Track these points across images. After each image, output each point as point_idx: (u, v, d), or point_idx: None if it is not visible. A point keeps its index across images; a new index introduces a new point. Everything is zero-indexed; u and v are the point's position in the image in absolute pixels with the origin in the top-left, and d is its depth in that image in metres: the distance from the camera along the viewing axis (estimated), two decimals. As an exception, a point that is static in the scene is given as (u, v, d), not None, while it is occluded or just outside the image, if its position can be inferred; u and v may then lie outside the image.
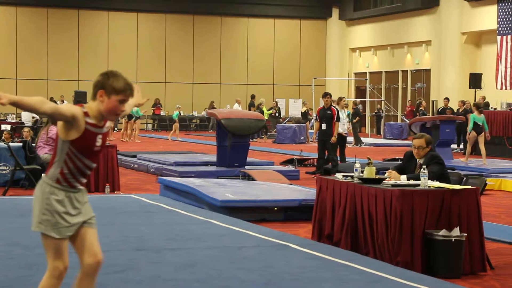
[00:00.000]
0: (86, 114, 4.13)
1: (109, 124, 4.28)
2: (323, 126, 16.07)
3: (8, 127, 20.61)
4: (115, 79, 4.16)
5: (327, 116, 16.04)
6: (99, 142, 4.22)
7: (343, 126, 17.22)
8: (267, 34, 41.54)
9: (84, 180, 4.28)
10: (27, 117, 25.71)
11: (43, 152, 12.90)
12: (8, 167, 13.20)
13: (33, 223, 4.23)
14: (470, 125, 18.48)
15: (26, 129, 14.43)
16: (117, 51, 39.09)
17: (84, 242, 4.28)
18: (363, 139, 28.35)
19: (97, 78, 4.19)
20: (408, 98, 36.40)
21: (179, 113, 31.28)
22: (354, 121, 27.30)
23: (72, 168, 4.18)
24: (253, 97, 33.35)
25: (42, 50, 38.10)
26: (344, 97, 19.08)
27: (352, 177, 7.74)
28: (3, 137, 15.99)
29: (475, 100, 26.82)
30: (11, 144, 13.12)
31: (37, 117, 26.58)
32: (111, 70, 4.22)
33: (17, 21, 37.86)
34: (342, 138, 16.86)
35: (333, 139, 15.83)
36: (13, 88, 37.70)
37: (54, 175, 4.20)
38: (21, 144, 13.37)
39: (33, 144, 13.28)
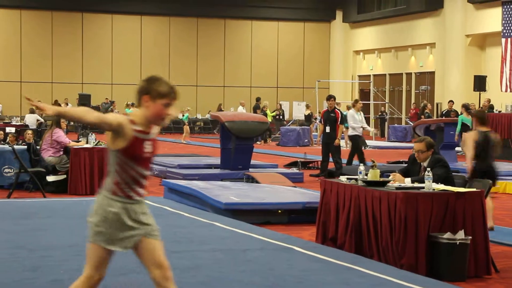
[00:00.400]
0: (132, 121, 4.10)
1: (156, 130, 4.25)
2: (327, 129, 16.08)
3: (13, 129, 20.64)
4: (159, 83, 4.15)
5: (331, 119, 16.04)
6: (148, 148, 4.18)
7: (359, 128, 17.43)
8: (271, 36, 41.54)
9: (141, 190, 4.24)
10: (31, 120, 25.73)
11: (48, 155, 12.92)
12: (12, 170, 13.22)
13: (89, 234, 4.21)
14: (458, 126, 18.56)
15: (29, 132, 14.45)
16: (121, 54, 39.14)
17: (149, 255, 4.25)
18: (367, 142, 28.32)
19: (140, 84, 4.17)
20: (412, 100, 36.37)
21: (189, 115, 31.07)
22: None
23: (126, 178, 4.15)
24: (258, 99, 33.34)
25: (46, 53, 38.16)
26: (359, 100, 19.23)
27: (356, 179, 7.73)
28: (8, 140, 16.04)
29: (479, 103, 26.81)
30: (15, 146, 13.14)
31: (42, 119, 26.60)
32: (153, 75, 4.21)
33: (22, 24, 37.92)
34: (358, 139, 17.09)
35: (337, 141, 15.84)
36: (17, 91, 37.77)
37: (109, 187, 4.19)
38: (25, 146, 13.39)
39: (38, 147, 13.30)
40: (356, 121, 17.46)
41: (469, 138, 9.58)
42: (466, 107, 19.30)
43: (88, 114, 3.99)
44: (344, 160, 16.88)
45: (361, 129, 17.72)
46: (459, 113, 25.61)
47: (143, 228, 4.24)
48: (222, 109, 36.11)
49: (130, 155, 4.12)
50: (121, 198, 4.17)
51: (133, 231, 4.20)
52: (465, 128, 18.47)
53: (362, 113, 18.09)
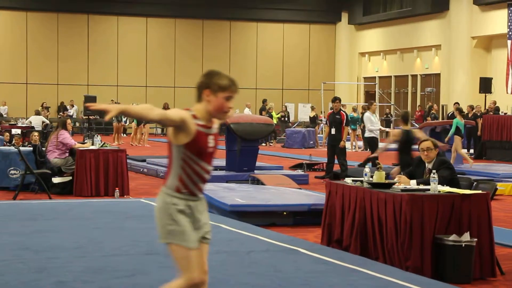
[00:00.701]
0: (194, 116, 4.09)
1: (217, 124, 4.22)
2: (333, 131, 16.07)
3: (19, 131, 20.67)
4: (219, 77, 4.14)
5: (336, 121, 16.04)
6: (211, 142, 4.17)
7: (376, 130, 17.37)
8: (277, 38, 41.55)
9: (203, 186, 4.20)
10: (37, 122, 25.78)
11: (53, 157, 12.94)
12: (18, 171, 13.24)
13: (160, 235, 4.16)
14: (453, 129, 18.59)
15: (35, 134, 14.48)
16: (126, 56, 39.19)
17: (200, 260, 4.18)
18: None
19: (200, 80, 4.16)
20: (418, 102, 36.33)
21: None
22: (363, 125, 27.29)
23: (191, 173, 4.12)
24: (264, 101, 33.34)
25: (52, 55, 38.23)
26: (374, 101, 19.22)
27: (361, 181, 7.73)
28: (13, 142, 16.07)
29: (485, 105, 26.77)
30: (21, 148, 13.17)
31: (47, 121, 26.64)
32: (211, 70, 4.20)
33: (28, 26, 38.00)
34: (376, 141, 17.05)
35: (342, 143, 15.83)
36: (23, 92, 37.86)
37: (173, 184, 4.14)
38: (31, 148, 13.42)
39: (43, 149, 13.32)
40: (373, 123, 17.37)
41: (393, 135, 11.71)
42: (459, 110, 19.41)
43: (150, 111, 3.95)
44: (351, 162, 16.86)
45: (379, 131, 17.66)
46: (468, 115, 25.58)
47: (203, 228, 4.20)
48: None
49: (195, 149, 4.09)
50: (185, 195, 4.13)
51: (197, 230, 4.16)
52: (458, 131, 18.50)
53: (376, 115, 18.01)
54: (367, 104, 21.04)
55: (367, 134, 17.65)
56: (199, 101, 4.16)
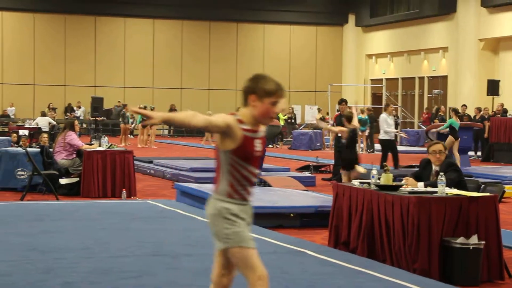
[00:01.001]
0: (240, 121, 4.05)
1: (263, 128, 4.17)
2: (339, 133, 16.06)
3: (26, 132, 20.72)
4: (265, 82, 4.08)
5: (343, 122, 16.02)
6: (258, 147, 4.12)
7: (392, 133, 17.26)
8: (283, 40, 41.56)
9: (252, 190, 4.18)
10: (43, 123, 25.83)
11: (60, 158, 12.96)
12: (25, 172, 13.27)
13: (218, 241, 4.13)
14: (445, 125, 18.65)
15: (44, 135, 14.50)
16: (133, 57, 39.25)
17: (231, 264, 4.18)
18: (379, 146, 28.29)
19: (246, 84, 4.10)
20: (425, 105, 36.26)
21: None
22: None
23: (240, 178, 4.09)
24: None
25: (59, 56, 38.32)
26: (391, 104, 19.17)
27: (369, 184, 7.71)
28: (21, 143, 16.11)
29: (492, 108, 26.71)
30: (28, 149, 13.19)
31: (54, 122, 26.69)
32: (258, 74, 4.15)
33: (35, 27, 38.10)
34: (391, 144, 16.96)
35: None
36: (31, 93, 37.96)
37: (224, 190, 4.12)
38: (38, 149, 13.45)
39: (51, 150, 13.34)
40: (389, 125, 17.28)
41: (341, 132, 13.12)
42: (455, 111, 19.48)
43: (194, 118, 3.91)
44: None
45: (394, 133, 17.58)
46: (475, 117, 25.53)
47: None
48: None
49: (242, 154, 4.06)
50: (237, 201, 4.11)
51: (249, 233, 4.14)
52: (453, 131, 18.54)
53: (393, 117, 17.88)
54: (371, 106, 20.99)
55: (382, 136, 17.51)
56: (245, 106, 4.10)
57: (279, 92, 4.09)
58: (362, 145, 26.81)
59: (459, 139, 18.77)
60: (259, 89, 4.06)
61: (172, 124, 4.02)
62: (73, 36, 38.47)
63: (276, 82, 4.10)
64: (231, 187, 4.10)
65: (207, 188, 11.64)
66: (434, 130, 19.82)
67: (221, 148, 4.08)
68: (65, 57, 38.39)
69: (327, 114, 32.38)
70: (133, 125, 30.64)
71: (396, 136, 17.48)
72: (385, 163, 8.36)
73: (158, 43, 39.81)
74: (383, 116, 17.62)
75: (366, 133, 26.68)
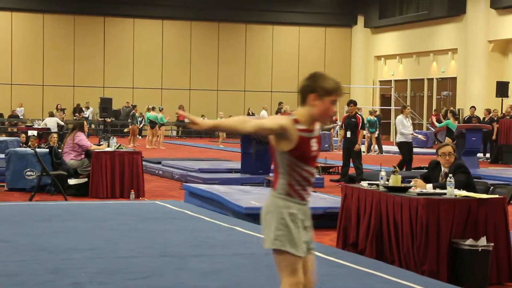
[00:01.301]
0: (296, 121, 4.00)
1: (319, 126, 4.13)
2: (348, 134, 16.05)
3: (35, 133, 20.78)
4: (324, 80, 4.04)
5: (352, 124, 16.01)
6: (314, 146, 4.07)
7: (409, 135, 17.16)
8: (292, 41, 41.55)
9: (310, 190, 4.13)
10: (52, 123, 25.90)
11: (69, 158, 12.99)
12: (34, 173, 13.30)
13: (266, 240, 4.06)
14: (441, 125, 18.74)
15: (54, 135, 14.54)
16: (142, 58, 39.31)
17: (304, 269, 4.10)
18: (388, 147, 28.26)
19: (304, 83, 4.05)
20: (434, 106, 36.17)
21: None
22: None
23: (298, 178, 4.05)
24: (280, 104, 33.32)
25: (68, 57, 38.41)
26: (408, 106, 19.15)
27: (377, 185, 7.70)
28: (29, 143, 16.15)
29: (502, 109, 26.63)
30: (37, 149, 13.23)
31: (62, 123, 26.75)
32: (315, 72, 4.10)
33: (45, 28, 38.20)
34: (409, 146, 16.89)
35: (357, 146, 15.79)
36: (40, 94, 38.06)
37: (283, 189, 4.06)
38: (47, 150, 13.48)
39: (59, 150, 13.37)
40: (405, 127, 17.18)
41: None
42: (453, 112, 19.56)
43: (244, 124, 3.86)
44: (367, 166, 16.80)
45: (411, 135, 17.51)
46: (484, 119, 25.47)
47: (308, 234, 4.12)
48: (253, 113, 36.10)
49: (299, 155, 4.01)
50: (296, 200, 4.06)
51: (306, 236, 4.09)
52: (450, 133, 18.59)
53: (410, 119, 17.81)
54: (377, 107, 20.96)
55: (399, 139, 17.43)
56: (302, 105, 4.05)
57: (339, 90, 4.05)
58: (375, 147, 26.77)
59: (456, 140, 18.82)
60: (319, 87, 4.01)
61: (221, 130, 3.97)
62: (82, 36, 38.56)
63: (335, 80, 4.07)
64: (289, 186, 4.05)
65: (216, 189, 11.65)
66: (437, 129, 19.94)
67: (277, 149, 4.04)
68: (74, 57, 38.49)
69: (335, 115, 32.32)
70: (141, 125, 30.68)
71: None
72: (394, 164, 8.31)
73: (167, 44, 39.86)
74: (400, 118, 17.49)
75: (376, 134, 26.64)
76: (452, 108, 22.38)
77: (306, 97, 4.03)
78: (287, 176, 4.05)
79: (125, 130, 31.73)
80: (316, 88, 4.01)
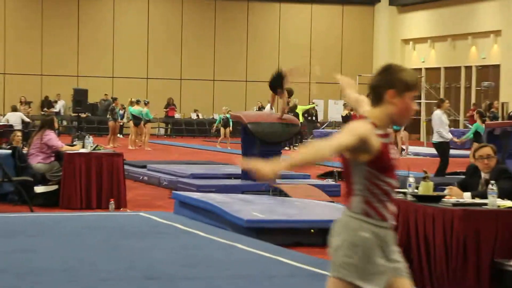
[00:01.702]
0: (374, 125, 3.98)
1: (390, 129, 4.11)
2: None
3: (-5, 131, 20.77)
4: (403, 73, 4.02)
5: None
6: (393, 153, 4.06)
7: (448, 134, 17.15)
8: (303, 22, 41.56)
9: (393, 208, 4.10)
10: (15, 119, 25.88)
11: (36, 161, 12.98)
12: (-6, 179, 13.29)
13: (332, 265, 4.06)
14: (470, 133, 18.70)
15: (18, 134, 14.53)
16: (124, 41, 39.31)
17: None
18: (417, 148, 28.25)
19: (378, 78, 4.04)
20: (472, 99, 36.17)
21: (222, 117, 30.45)
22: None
23: (378, 193, 4.02)
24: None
25: (35, 41, 38.41)
26: (446, 100, 19.10)
27: (404, 193, 7.70)
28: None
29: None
30: (-2, 151, 13.23)
31: (28, 119, 26.77)
32: (390, 64, 4.08)
33: (6, 8, 38.20)
34: (445, 146, 16.86)
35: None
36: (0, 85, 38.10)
37: (359, 207, 4.02)
38: (9, 151, 13.46)
39: (25, 152, 13.37)
40: (443, 124, 17.16)
41: None
42: (480, 113, 19.47)
43: (319, 152, 3.80)
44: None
45: (450, 134, 17.50)
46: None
47: (394, 264, 4.08)
48: (263, 107, 35.97)
49: (380, 166, 3.99)
50: (375, 221, 4.02)
51: (385, 266, 4.03)
52: (477, 137, 18.55)
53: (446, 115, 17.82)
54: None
55: (436, 139, 17.37)
56: (377, 104, 4.04)
57: (417, 85, 4.06)
58: (402, 146, 26.73)
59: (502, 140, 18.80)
60: (398, 81, 3.99)
61: (299, 166, 3.89)
62: (52, 17, 38.57)
63: (414, 72, 4.06)
64: (367, 204, 4.02)
65: (211, 198, 11.65)
66: (463, 139, 19.89)
67: (352, 160, 4.00)
68: (41, 41, 38.50)
69: (351, 110, 32.30)
70: (123, 121, 30.70)
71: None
72: (424, 169, 8.27)
73: (153, 25, 39.87)
74: (438, 113, 17.40)
75: (401, 133, 26.61)
76: (479, 109, 22.38)
77: (382, 95, 4.01)
78: (365, 192, 4.01)
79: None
80: (394, 82, 4.00)
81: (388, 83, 4.01)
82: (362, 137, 3.89)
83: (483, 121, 19.01)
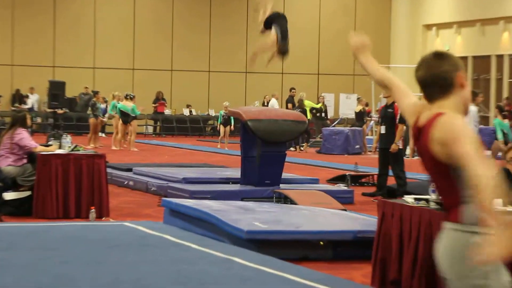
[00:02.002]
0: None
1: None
2: (382, 129, 16.03)
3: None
4: (455, 57, 4.07)
5: (388, 115, 15.99)
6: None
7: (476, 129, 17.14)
8: (310, 7, 41.61)
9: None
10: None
11: (6, 164, 12.97)
12: (-42, 184, 13.30)
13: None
14: (498, 132, 18.77)
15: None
16: (106, 29, 39.33)
17: None
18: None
19: (440, 64, 4.05)
20: (505, 93, 36.19)
21: (222, 114, 30.35)
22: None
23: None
24: (291, 90, 33.30)
25: (5, 28, 38.43)
26: (480, 93, 19.08)
27: (427, 200, 7.68)
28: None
29: None
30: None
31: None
32: (435, 50, 4.15)
33: (-27, -14, 38.27)
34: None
35: (394, 146, 15.65)
36: (-34, 77, 38.15)
37: (473, 216, 3.93)
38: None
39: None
40: (476, 122, 17.08)
41: None
42: (500, 108, 19.45)
43: (493, 186, 3.71)
44: (412, 174, 16.80)
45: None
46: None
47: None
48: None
49: None
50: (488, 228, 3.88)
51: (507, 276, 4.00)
52: (503, 135, 18.66)
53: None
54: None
55: None
56: (444, 94, 4.03)
57: None
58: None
59: (510, 143, 18.83)
60: (460, 62, 4.04)
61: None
62: (25, 2, 38.64)
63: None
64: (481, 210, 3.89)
65: (207, 206, 11.64)
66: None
67: (453, 163, 3.91)
68: (12, 27, 38.51)
69: (367, 105, 32.34)
70: (105, 116, 30.62)
71: None
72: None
73: (141, 10, 39.90)
74: (473, 110, 17.25)
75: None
76: (499, 104, 22.44)
77: (453, 80, 4.02)
78: (475, 198, 3.87)
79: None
80: (458, 64, 4.04)
81: (454, 66, 4.04)
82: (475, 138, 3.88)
83: (504, 117, 19.04)
